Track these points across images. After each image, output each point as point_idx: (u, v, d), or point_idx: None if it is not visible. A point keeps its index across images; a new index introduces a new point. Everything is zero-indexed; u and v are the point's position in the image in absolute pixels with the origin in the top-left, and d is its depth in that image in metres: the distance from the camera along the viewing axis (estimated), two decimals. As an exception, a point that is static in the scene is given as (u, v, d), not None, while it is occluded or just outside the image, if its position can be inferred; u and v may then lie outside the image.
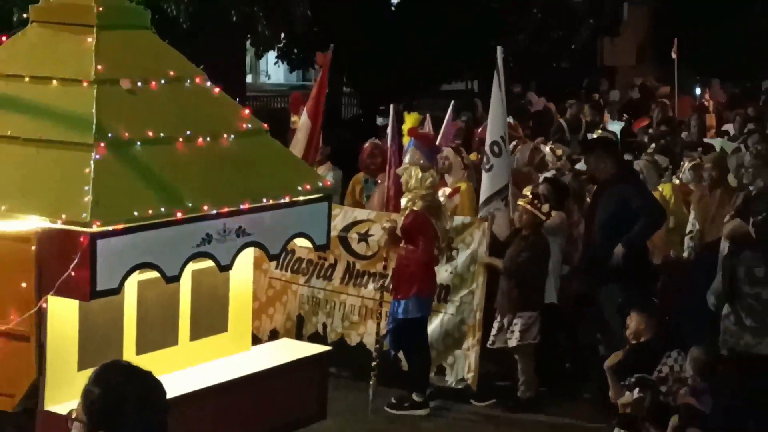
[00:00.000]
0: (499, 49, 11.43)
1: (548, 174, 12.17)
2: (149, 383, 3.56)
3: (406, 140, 10.93)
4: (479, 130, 12.34)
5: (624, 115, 22.45)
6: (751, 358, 7.31)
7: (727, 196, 10.56)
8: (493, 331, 10.11)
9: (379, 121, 18.64)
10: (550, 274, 10.42)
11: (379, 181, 11.65)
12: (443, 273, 10.24)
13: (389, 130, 11.18)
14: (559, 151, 13.16)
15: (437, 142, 11.40)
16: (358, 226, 10.58)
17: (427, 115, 12.21)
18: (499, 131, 10.94)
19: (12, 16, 14.44)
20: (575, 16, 29.11)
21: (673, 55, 21.01)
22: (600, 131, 16.23)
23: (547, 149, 13.74)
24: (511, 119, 16.39)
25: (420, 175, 9.96)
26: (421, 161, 10.29)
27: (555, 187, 10.82)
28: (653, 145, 14.63)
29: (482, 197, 10.93)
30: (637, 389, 8.27)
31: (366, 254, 10.53)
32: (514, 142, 14.14)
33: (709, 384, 8.07)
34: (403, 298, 9.85)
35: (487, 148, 10.92)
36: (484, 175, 10.92)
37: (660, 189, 11.50)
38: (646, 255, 10.50)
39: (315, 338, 10.38)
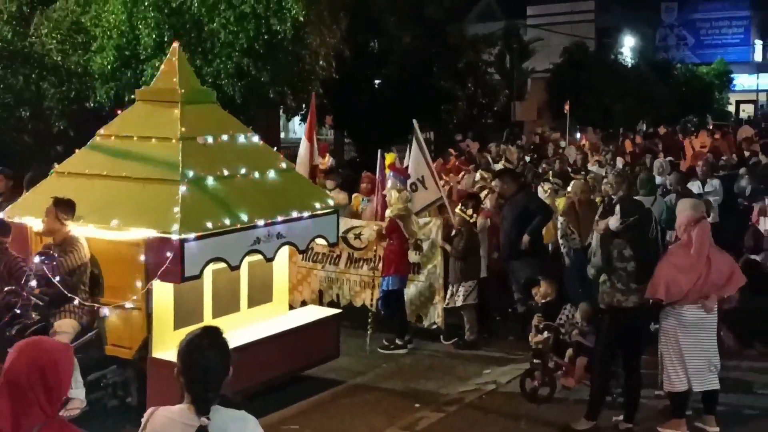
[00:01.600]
0: (414, 122, 11.18)
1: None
2: (214, 338, 3.47)
3: (388, 171, 10.91)
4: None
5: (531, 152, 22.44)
6: (621, 310, 7.27)
7: (594, 207, 10.46)
8: (448, 296, 10.09)
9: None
10: (482, 258, 10.41)
11: (370, 199, 11.59)
12: (414, 256, 10.20)
13: (378, 166, 11.13)
14: (486, 175, 13.13)
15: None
16: (354, 230, 10.55)
17: (396, 156, 12.11)
18: (417, 175, 10.79)
19: (124, 97, 14.42)
20: (495, 88, 29.16)
21: (566, 109, 21.02)
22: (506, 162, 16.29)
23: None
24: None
25: (397, 195, 9.98)
26: (398, 186, 10.31)
27: (474, 200, 10.77)
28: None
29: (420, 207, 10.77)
30: (545, 332, 8.25)
31: (360, 247, 10.49)
32: (462, 173, 14.08)
33: (592, 327, 8.07)
34: (386, 275, 9.87)
35: (408, 187, 10.63)
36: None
37: (557, 202, 11.52)
38: (541, 240, 10.58)
39: (332, 304, 10.32)
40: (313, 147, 11.69)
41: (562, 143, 21.50)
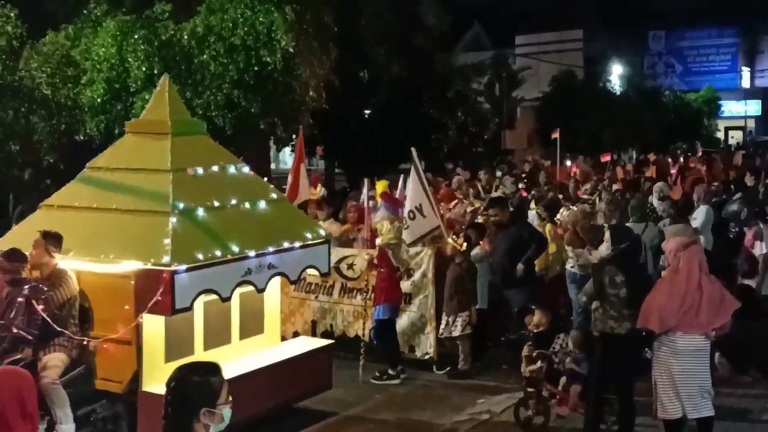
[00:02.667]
0: (413, 150, 10.70)
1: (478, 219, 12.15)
2: (197, 371, 3.54)
3: (379, 201, 10.88)
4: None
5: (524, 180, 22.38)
6: (613, 336, 7.25)
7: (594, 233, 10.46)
8: (442, 326, 10.02)
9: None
10: (480, 288, 10.39)
11: (359, 228, 11.53)
12: (406, 285, 10.17)
13: (365, 195, 11.11)
14: (477, 203, 13.18)
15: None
16: (347, 260, 10.51)
17: (387, 184, 12.04)
18: (415, 203, 10.37)
19: (114, 130, 14.44)
20: (485, 117, 29.28)
21: (555, 136, 21.03)
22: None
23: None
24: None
25: (388, 226, 9.96)
26: (389, 216, 10.27)
27: (477, 229, 10.81)
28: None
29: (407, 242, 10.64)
30: (539, 361, 8.22)
31: (353, 277, 10.46)
32: (455, 201, 14.08)
33: (585, 354, 8.03)
34: (377, 304, 9.84)
35: (405, 214, 10.37)
36: (404, 231, 10.21)
37: (545, 228, 11.57)
38: (533, 269, 10.57)
39: (326, 335, 10.26)
40: (297, 183, 11.72)
41: (498, 172, 21.53)
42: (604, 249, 7.35)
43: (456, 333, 9.91)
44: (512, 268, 10.14)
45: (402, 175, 12.04)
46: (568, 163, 23.43)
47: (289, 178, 12.12)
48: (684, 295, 6.99)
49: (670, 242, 7.27)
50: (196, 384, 3.51)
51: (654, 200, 13.54)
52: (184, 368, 3.58)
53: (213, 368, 3.59)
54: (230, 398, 3.59)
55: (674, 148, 36.78)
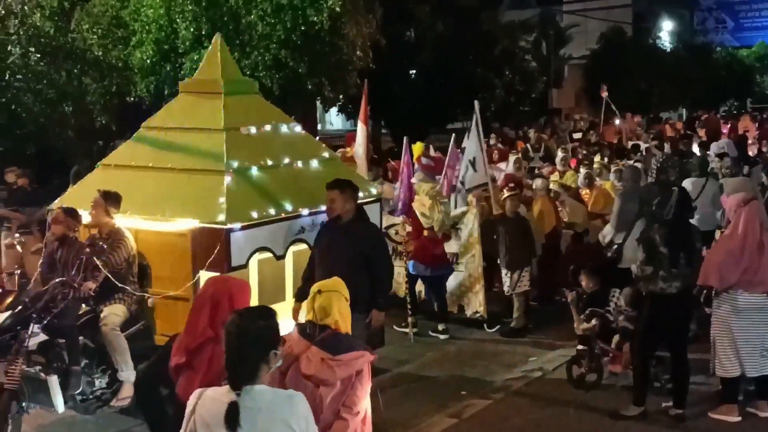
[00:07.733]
0: (476, 103, 11.03)
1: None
2: (256, 317, 3.60)
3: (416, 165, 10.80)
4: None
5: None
6: (664, 296, 7.13)
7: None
8: (507, 282, 9.95)
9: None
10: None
11: (395, 186, 11.44)
12: (453, 246, 10.14)
13: (404, 153, 11.10)
14: (526, 164, 13.09)
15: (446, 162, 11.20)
16: (395, 227, 10.45)
17: (423, 147, 11.92)
18: (469, 156, 10.67)
19: (164, 91, 14.55)
20: (532, 76, 28.89)
21: (604, 94, 20.70)
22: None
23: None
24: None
25: (423, 186, 9.95)
26: (422, 178, 10.23)
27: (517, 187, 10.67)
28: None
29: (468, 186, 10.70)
30: (593, 319, 8.17)
31: (400, 242, 10.41)
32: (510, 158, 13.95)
33: (638, 312, 7.93)
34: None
35: (463, 164, 10.65)
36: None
37: (602, 183, 11.41)
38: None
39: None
40: (367, 130, 11.63)
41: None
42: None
43: (522, 288, 9.85)
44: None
45: (453, 134, 11.96)
46: (617, 121, 23.05)
47: (361, 127, 11.73)
48: (743, 252, 6.88)
49: (730, 198, 7.15)
50: (265, 327, 3.54)
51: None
52: (245, 313, 3.64)
53: (263, 311, 3.68)
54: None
55: (729, 107, 35.95)
